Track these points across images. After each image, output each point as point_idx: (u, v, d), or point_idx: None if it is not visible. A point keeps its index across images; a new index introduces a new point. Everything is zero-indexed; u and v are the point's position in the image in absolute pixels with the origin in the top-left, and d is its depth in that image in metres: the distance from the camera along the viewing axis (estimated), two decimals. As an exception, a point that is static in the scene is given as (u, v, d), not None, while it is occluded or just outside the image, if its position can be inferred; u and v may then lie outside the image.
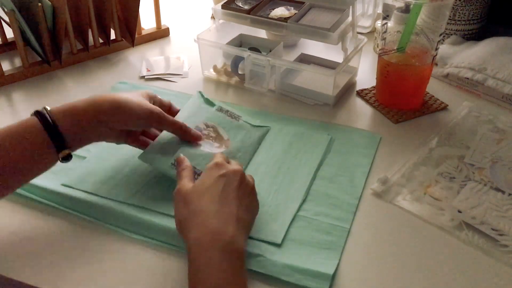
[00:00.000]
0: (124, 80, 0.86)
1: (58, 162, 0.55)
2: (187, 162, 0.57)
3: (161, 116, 0.60)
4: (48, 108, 0.54)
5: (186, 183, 0.53)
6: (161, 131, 0.64)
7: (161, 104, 0.64)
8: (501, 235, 0.55)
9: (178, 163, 0.57)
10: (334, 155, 0.68)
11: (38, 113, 0.53)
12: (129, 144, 0.63)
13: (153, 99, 0.63)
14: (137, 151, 0.67)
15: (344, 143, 0.70)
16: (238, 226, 0.48)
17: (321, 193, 0.61)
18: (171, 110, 0.66)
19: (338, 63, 0.78)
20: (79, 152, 0.67)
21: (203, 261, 0.45)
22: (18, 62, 0.90)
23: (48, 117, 0.53)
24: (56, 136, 0.52)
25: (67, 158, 0.54)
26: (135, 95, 0.60)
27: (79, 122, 0.54)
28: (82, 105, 0.55)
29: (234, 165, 0.55)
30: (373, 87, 0.83)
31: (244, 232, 0.50)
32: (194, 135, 0.63)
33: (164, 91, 0.83)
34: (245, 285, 0.46)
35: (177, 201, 0.52)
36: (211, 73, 0.88)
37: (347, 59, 0.78)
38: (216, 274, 0.44)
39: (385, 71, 0.75)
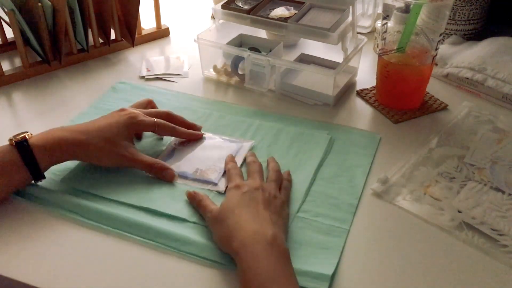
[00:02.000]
0: (124, 80, 0.86)
1: None
2: (199, 193, 0.59)
3: (131, 161, 0.62)
4: (28, 138, 0.57)
5: (212, 208, 0.55)
6: None
7: (157, 114, 0.66)
8: (501, 235, 0.55)
9: (191, 198, 0.59)
10: (334, 155, 0.68)
11: (19, 145, 0.56)
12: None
13: (141, 124, 0.64)
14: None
15: (344, 143, 0.70)
16: (275, 227, 0.50)
17: (321, 194, 0.61)
18: (171, 118, 0.68)
19: (338, 63, 0.78)
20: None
21: (250, 258, 0.46)
22: (18, 62, 0.90)
23: (30, 150, 0.56)
24: (36, 173, 0.58)
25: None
26: (118, 138, 0.61)
27: (57, 159, 0.60)
28: (64, 138, 0.59)
29: (251, 182, 0.56)
30: (373, 87, 0.83)
31: (283, 231, 0.51)
32: (167, 176, 0.62)
33: (164, 91, 0.83)
34: (295, 281, 0.46)
35: (212, 225, 0.54)
36: (211, 73, 0.88)
37: (347, 59, 0.78)
38: (264, 267, 0.45)
39: (385, 71, 0.75)
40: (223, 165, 0.64)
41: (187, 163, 0.65)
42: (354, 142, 0.70)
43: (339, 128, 0.73)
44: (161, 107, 0.78)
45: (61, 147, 0.58)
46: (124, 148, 0.61)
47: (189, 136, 0.69)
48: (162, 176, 0.62)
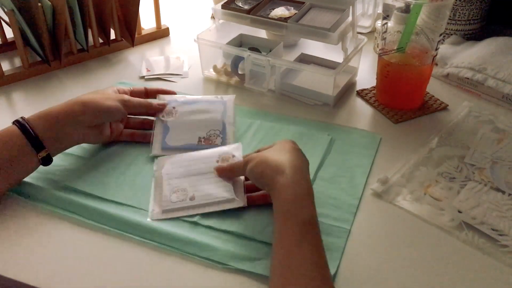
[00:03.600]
0: (124, 80, 0.86)
1: (60, 162, 0.56)
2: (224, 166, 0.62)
3: (125, 100, 0.65)
4: (26, 117, 0.59)
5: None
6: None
7: (135, 91, 0.71)
8: (501, 235, 0.55)
9: (220, 172, 0.62)
10: (334, 155, 0.68)
11: (16, 121, 0.59)
12: (116, 140, 0.68)
13: (123, 91, 0.69)
14: (138, 153, 0.67)
15: (344, 144, 0.70)
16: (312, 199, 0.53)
17: (322, 194, 0.61)
18: (149, 93, 0.72)
19: (338, 63, 0.78)
20: (79, 153, 0.67)
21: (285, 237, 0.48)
22: (18, 62, 0.90)
23: (25, 123, 0.58)
24: (33, 139, 0.57)
25: (47, 160, 0.59)
26: (104, 91, 0.66)
27: (53, 125, 0.59)
28: (55, 110, 0.60)
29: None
30: (373, 87, 0.83)
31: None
32: (156, 107, 0.69)
33: (164, 91, 0.83)
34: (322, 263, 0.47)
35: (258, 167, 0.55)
36: (211, 73, 0.88)
37: (347, 59, 0.78)
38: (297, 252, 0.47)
39: (385, 71, 0.75)
40: (220, 125, 0.68)
41: (187, 134, 0.67)
42: (354, 142, 0.70)
43: (339, 128, 0.73)
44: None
45: (58, 115, 0.60)
46: (120, 95, 0.66)
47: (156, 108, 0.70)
48: (154, 109, 0.69)
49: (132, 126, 0.70)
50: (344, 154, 0.68)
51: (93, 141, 0.65)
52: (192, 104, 0.71)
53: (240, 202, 0.58)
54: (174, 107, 0.70)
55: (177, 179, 0.61)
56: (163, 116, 0.69)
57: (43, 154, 0.58)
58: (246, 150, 0.67)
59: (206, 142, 0.65)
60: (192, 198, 0.58)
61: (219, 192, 0.59)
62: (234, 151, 0.64)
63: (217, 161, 0.62)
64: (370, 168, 0.65)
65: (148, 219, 0.57)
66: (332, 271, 0.50)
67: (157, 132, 0.68)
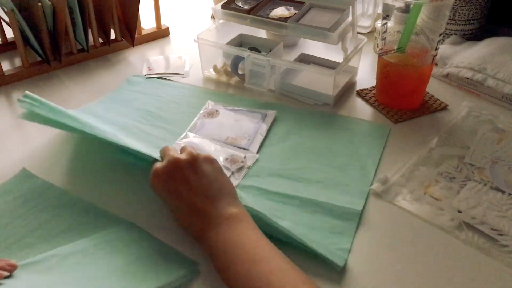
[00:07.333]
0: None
1: None
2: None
3: None
4: None
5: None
6: None
7: None
8: (501, 235, 0.55)
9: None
10: (344, 145, 0.69)
11: None
12: None
13: None
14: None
15: (353, 134, 0.72)
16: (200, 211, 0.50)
17: (332, 181, 0.62)
18: None
19: (338, 63, 0.78)
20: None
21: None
22: (18, 62, 0.90)
23: None
24: None
25: None
26: None
27: None
28: None
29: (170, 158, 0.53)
30: (373, 87, 0.83)
31: (218, 199, 0.51)
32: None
33: (177, 84, 0.84)
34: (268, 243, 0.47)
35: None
36: (211, 73, 0.88)
37: (347, 59, 0.78)
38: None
39: (385, 71, 0.75)
40: (251, 132, 0.70)
41: (219, 131, 0.70)
42: (364, 133, 0.72)
43: (348, 120, 0.75)
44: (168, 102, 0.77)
45: None
46: None
47: None
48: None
49: None
50: (354, 144, 0.69)
51: None
52: (234, 111, 0.75)
53: (250, 151, 0.67)
54: (217, 110, 0.75)
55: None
56: (204, 115, 0.74)
57: None
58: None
59: (232, 141, 0.68)
60: None
61: (242, 142, 0.68)
62: (248, 159, 0.66)
63: (226, 159, 0.65)
64: (380, 157, 0.67)
65: None
66: (342, 263, 0.51)
67: (193, 129, 0.72)
